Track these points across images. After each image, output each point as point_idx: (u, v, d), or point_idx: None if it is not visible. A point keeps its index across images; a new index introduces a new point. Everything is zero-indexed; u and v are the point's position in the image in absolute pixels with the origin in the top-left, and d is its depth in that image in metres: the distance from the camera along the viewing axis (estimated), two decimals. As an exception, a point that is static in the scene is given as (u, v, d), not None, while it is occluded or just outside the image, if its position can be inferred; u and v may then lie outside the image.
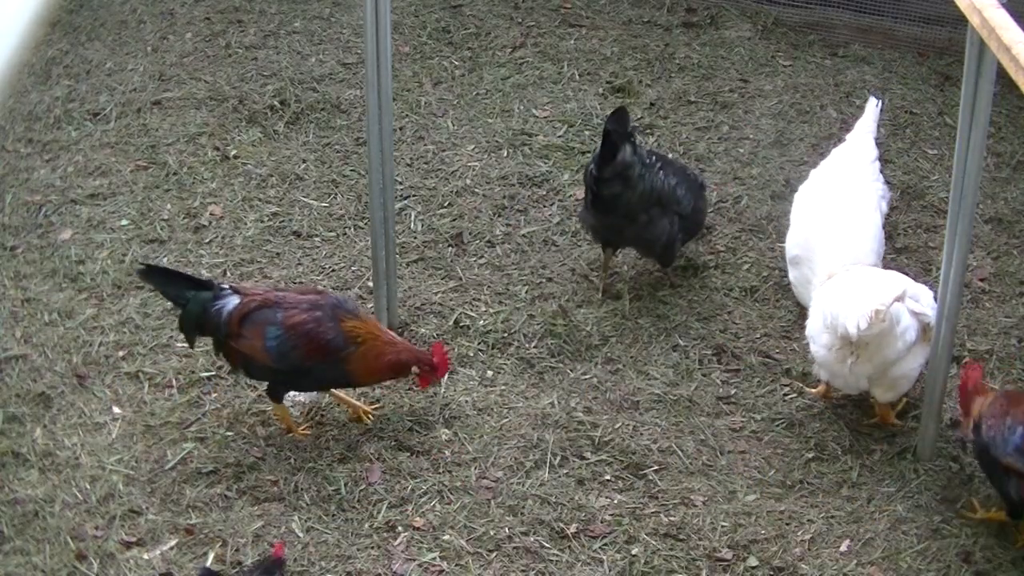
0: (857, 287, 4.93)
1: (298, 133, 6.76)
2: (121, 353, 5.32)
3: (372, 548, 4.52)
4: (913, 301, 4.89)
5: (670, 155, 6.17)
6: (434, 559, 4.49)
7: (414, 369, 4.92)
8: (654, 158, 5.60)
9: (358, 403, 5.05)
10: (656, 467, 4.90)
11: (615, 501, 4.74)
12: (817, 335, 4.99)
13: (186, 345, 5.24)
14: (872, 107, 5.87)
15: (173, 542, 4.51)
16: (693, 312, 5.67)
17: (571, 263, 5.93)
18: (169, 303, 5.13)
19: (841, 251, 5.30)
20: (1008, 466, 4.37)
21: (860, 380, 4.94)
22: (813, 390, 5.24)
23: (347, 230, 6.08)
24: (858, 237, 5.39)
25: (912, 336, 4.87)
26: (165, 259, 5.83)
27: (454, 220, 6.16)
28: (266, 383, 4.94)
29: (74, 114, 6.81)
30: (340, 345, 4.79)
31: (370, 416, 5.04)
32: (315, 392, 5.10)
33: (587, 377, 5.31)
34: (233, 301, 4.80)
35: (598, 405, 5.16)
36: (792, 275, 5.57)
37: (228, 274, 5.76)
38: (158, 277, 4.95)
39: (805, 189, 5.71)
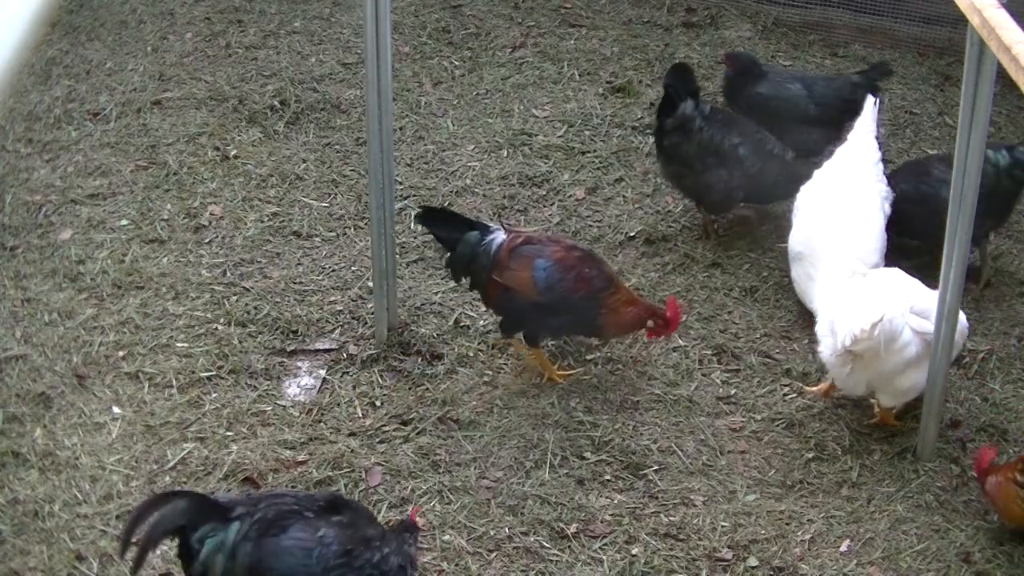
0: (859, 298, 4.92)
1: (298, 133, 6.76)
2: (121, 353, 5.32)
3: (372, 548, 4.52)
4: (919, 319, 4.85)
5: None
6: (434, 559, 4.49)
7: (649, 323, 5.10)
8: (719, 115, 6.00)
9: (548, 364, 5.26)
10: (656, 467, 4.90)
11: (615, 501, 4.74)
12: (823, 336, 4.99)
13: (186, 345, 5.24)
14: (870, 106, 5.88)
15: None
16: (693, 312, 5.67)
17: (571, 263, 5.93)
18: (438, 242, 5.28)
19: (844, 250, 5.31)
20: None
21: (859, 386, 4.94)
22: (813, 389, 5.24)
23: (347, 230, 6.08)
24: (861, 236, 5.41)
25: (913, 352, 4.82)
26: (165, 259, 5.84)
27: (454, 220, 6.16)
28: (505, 325, 5.15)
29: (74, 114, 6.81)
30: (600, 285, 5.03)
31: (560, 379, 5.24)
32: (560, 338, 5.37)
33: (587, 377, 5.31)
34: (501, 236, 5.03)
35: (598, 405, 5.16)
36: (794, 272, 5.58)
37: (228, 274, 5.76)
38: (436, 221, 5.16)
39: (809, 188, 5.73)
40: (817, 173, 5.79)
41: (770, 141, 6.00)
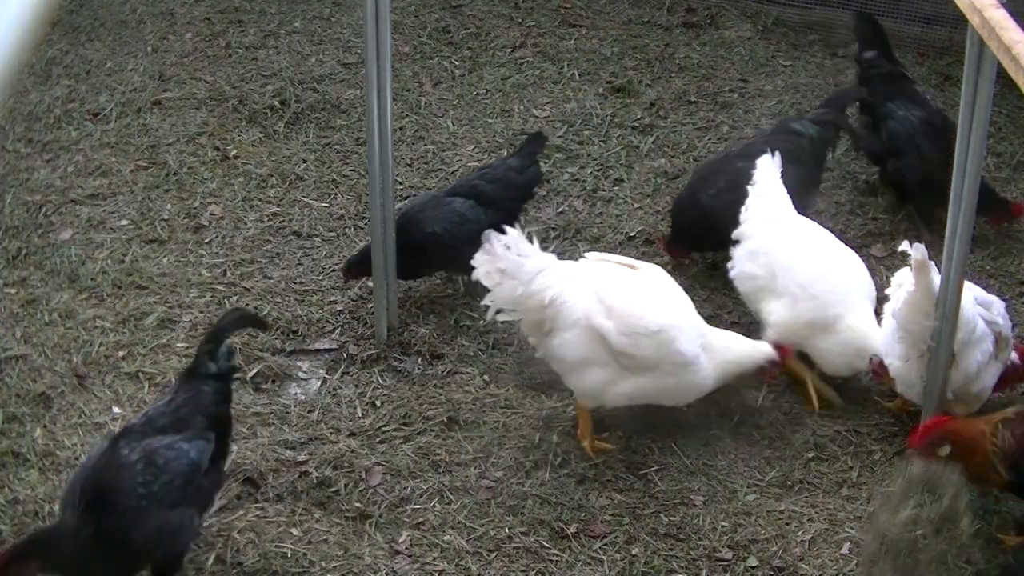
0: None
1: (298, 133, 6.76)
2: (121, 353, 5.32)
3: (373, 548, 4.52)
4: (984, 309, 4.82)
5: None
6: (434, 559, 4.49)
7: None
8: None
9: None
10: (656, 467, 4.90)
11: (615, 501, 4.74)
12: (892, 344, 4.90)
13: (186, 345, 5.25)
14: (768, 162, 5.41)
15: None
16: (693, 312, 5.66)
17: (571, 263, 5.92)
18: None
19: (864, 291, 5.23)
20: None
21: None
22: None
23: (347, 230, 6.08)
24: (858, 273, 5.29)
25: (989, 348, 4.78)
26: (165, 259, 5.84)
27: (454, 220, 6.15)
28: None
29: (74, 114, 6.82)
30: None
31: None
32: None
33: (587, 377, 5.30)
34: None
35: (598, 405, 5.16)
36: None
37: (228, 274, 5.76)
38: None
39: (777, 255, 5.27)
40: (744, 252, 5.34)
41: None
